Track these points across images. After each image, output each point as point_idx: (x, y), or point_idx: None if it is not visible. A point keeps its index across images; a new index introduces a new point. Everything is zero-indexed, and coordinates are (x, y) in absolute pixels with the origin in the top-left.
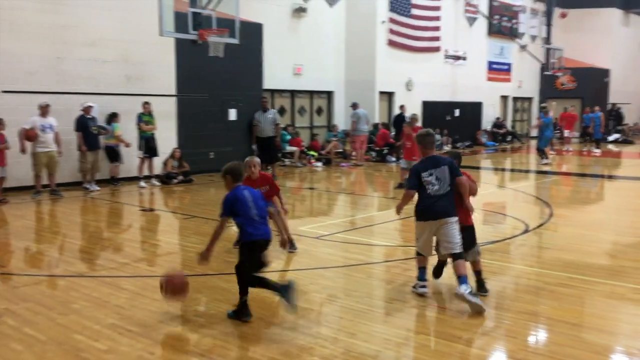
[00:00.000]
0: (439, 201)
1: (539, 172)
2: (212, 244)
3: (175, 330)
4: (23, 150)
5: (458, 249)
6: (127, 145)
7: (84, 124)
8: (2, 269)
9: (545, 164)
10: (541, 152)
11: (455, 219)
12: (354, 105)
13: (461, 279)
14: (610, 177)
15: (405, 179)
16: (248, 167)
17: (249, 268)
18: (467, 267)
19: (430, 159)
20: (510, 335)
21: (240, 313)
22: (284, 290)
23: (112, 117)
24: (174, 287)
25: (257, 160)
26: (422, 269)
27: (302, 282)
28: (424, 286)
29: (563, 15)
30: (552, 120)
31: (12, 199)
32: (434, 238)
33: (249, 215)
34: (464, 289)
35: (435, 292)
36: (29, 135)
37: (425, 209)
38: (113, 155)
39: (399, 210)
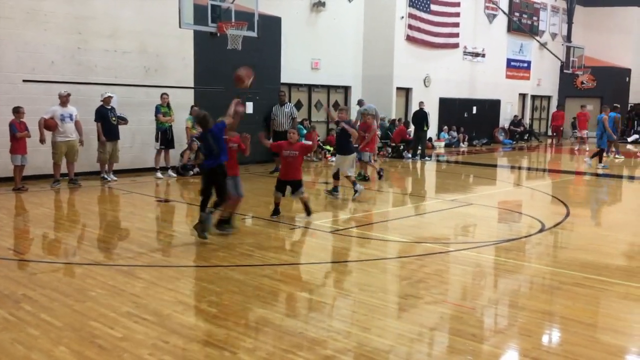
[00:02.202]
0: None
1: (554, 171)
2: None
3: (189, 320)
4: (42, 140)
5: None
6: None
7: (103, 114)
8: (20, 256)
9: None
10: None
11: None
12: (360, 102)
13: (354, 184)
14: (630, 177)
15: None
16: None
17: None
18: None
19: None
20: (524, 334)
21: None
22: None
23: (191, 109)
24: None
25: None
26: (336, 187)
27: (316, 276)
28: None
29: None
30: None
31: (31, 187)
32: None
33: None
34: (359, 187)
35: (451, 289)
36: (48, 124)
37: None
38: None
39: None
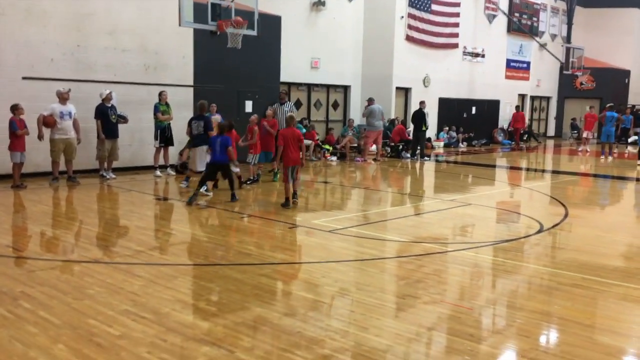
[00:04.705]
0: None
1: (554, 172)
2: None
3: (187, 319)
4: (41, 137)
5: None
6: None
7: (104, 112)
8: (19, 253)
9: None
10: None
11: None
12: (370, 101)
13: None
14: (626, 178)
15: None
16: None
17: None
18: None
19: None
20: (522, 335)
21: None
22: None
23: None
24: None
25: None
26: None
27: (315, 275)
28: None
29: None
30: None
31: (30, 185)
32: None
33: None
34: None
35: (449, 289)
36: (47, 121)
37: None
38: None
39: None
